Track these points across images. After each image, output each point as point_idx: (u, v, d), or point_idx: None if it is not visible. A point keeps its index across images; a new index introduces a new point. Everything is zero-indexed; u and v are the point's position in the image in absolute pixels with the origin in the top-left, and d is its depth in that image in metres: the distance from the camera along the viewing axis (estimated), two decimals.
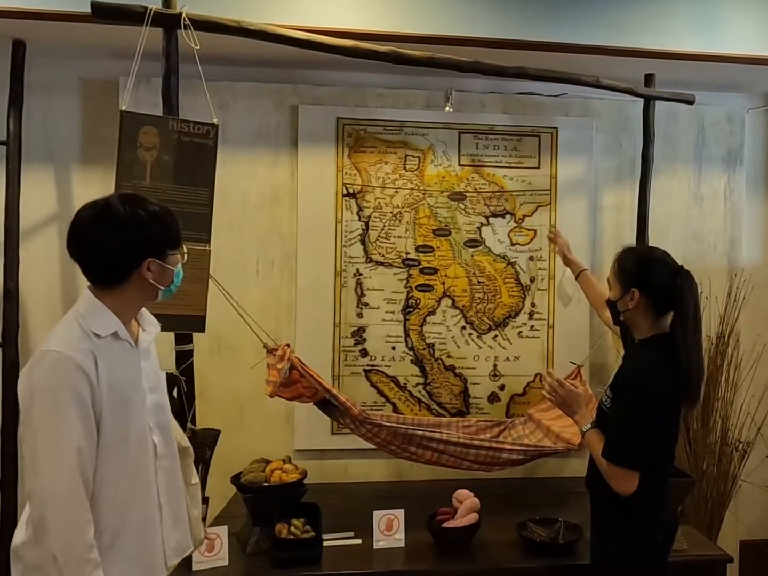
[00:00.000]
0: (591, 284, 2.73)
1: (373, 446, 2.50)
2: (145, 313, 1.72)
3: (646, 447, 1.83)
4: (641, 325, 1.94)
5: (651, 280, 1.90)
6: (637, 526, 1.88)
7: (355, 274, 3.00)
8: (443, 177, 3.05)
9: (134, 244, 1.54)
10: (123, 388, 1.54)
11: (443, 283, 3.04)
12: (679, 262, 1.93)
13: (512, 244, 3.08)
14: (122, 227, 1.52)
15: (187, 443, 1.89)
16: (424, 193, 3.03)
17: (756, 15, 2.86)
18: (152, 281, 1.58)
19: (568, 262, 2.86)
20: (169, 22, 2.17)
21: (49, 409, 1.43)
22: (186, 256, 1.72)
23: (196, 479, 1.90)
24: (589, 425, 1.96)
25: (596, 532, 2.05)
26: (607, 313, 2.38)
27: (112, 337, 1.55)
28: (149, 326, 1.71)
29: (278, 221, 2.98)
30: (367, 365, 3.01)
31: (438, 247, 3.04)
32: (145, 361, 1.65)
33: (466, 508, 2.35)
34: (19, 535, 1.51)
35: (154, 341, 1.73)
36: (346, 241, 2.99)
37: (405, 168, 3.02)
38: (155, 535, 1.61)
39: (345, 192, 2.99)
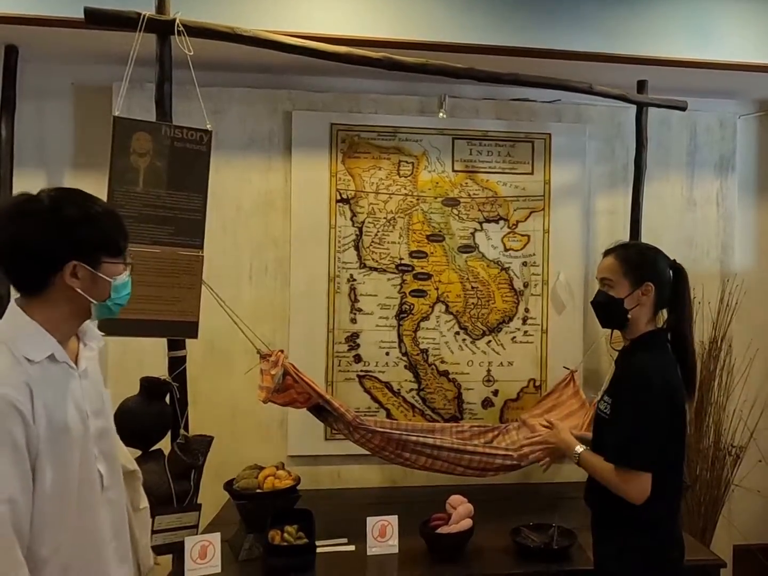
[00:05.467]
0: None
1: (366, 452, 2.50)
2: (88, 326, 1.52)
3: (655, 446, 1.75)
4: (639, 323, 1.88)
5: (661, 274, 1.89)
6: (652, 543, 1.81)
7: (348, 280, 2.99)
8: (437, 183, 3.05)
9: (51, 242, 1.33)
10: (63, 419, 1.34)
11: (437, 289, 3.05)
12: None
13: (506, 250, 3.09)
14: (40, 222, 1.32)
15: (134, 466, 1.74)
16: (417, 199, 3.03)
17: (748, 22, 2.88)
18: (79, 290, 1.36)
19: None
20: (162, 28, 2.17)
21: None
22: (130, 267, 1.48)
23: (144, 503, 1.75)
24: (579, 449, 1.88)
25: (604, 550, 1.94)
26: None
27: (48, 360, 1.35)
28: (91, 341, 1.51)
29: (272, 227, 2.97)
30: (361, 371, 3.01)
31: (432, 253, 3.04)
32: (87, 382, 1.45)
33: (459, 514, 2.35)
34: None
35: (96, 357, 1.53)
36: (339, 247, 2.99)
37: (399, 174, 3.02)
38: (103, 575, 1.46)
39: (339, 197, 2.99)
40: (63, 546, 1.35)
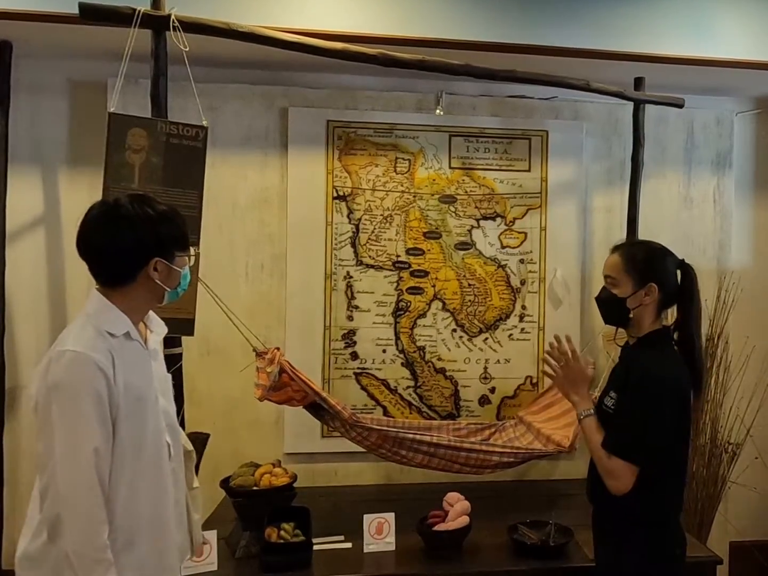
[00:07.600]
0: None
1: (363, 450, 2.49)
2: (152, 315, 1.72)
3: (650, 443, 1.74)
4: (644, 322, 1.87)
5: (667, 274, 1.86)
6: (654, 541, 1.79)
7: (345, 277, 2.99)
8: (434, 180, 3.04)
9: (142, 242, 1.53)
10: (138, 387, 1.54)
11: (434, 286, 3.04)
12: None
13: (503, 247, 3.09)
14: (131, 225, 1.52)
15: (190, 447, 1.88)
16: (414, 196, 3.03)
17: (745, 19, 2.87)
18: (158, 281, 1.57)
19: None
20: (157, 23, 2.16)
21: (68, 408, 1.43)
22: (193, 258, 1.71)
23: (197, 483, 1.88)
24: (589, 410, 1.86)
25: (605, 547, 1.92)
26: None
27: (125, 337, 1.55)
28: (157, 327, 1.71)
29: (268, 224, 2.96)
30: (358, 368, 3.00)
31: (428, 250, 3.04)
32: (155, 362, 1.65)
33: (456, 512, 2.35)
34: (35, 542, 1.47)
35: (161, 345, 1.73)
36: (336, 244, 2.98)
37: (395, 170, 3.02)
38: (169, 537, 1.61)
39: (335, 194, 2.98)
40: (135, 503, 1.52)
